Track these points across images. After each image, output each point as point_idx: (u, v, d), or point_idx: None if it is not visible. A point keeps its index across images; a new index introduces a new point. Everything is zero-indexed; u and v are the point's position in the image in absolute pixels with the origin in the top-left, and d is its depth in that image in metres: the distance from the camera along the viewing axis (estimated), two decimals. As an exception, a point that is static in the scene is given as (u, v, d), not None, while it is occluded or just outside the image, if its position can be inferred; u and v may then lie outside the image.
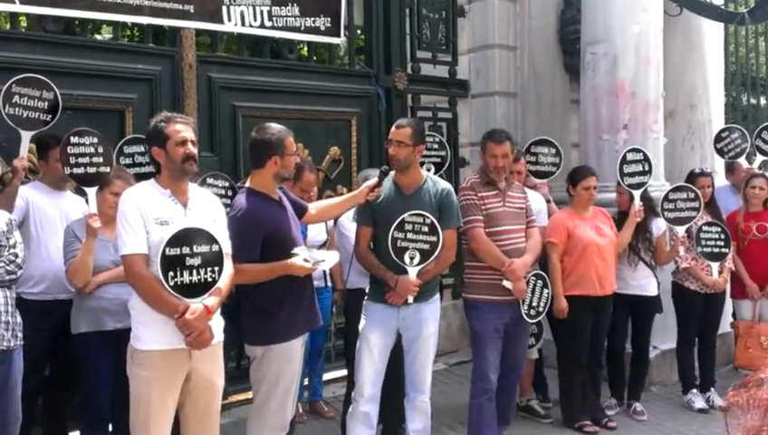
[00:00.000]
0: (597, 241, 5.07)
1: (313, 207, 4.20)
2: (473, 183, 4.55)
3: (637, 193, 5.29)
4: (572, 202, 5.24)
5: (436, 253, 4.02)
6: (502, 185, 4.53)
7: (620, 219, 5.38)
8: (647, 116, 6.35)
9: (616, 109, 6.32)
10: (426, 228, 4.01)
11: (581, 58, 6.64)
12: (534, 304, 4.56)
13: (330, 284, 5.35)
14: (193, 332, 3.22)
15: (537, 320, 4.73)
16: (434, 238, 4.01)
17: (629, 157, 5.37)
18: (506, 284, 4.39)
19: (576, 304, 5.02)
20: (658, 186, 6.01)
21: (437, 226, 4.02)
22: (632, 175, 5.33)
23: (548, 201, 5.52)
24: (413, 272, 4.01)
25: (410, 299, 4.03)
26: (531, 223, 4.64)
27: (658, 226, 5.49)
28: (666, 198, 5.41)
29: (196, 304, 3.22)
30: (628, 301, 5.38)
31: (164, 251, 3.15)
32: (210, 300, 3.29)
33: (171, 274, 3.16)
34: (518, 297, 4.44)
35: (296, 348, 3.78)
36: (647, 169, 5.33)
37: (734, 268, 5.76)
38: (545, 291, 4.60)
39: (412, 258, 4.00)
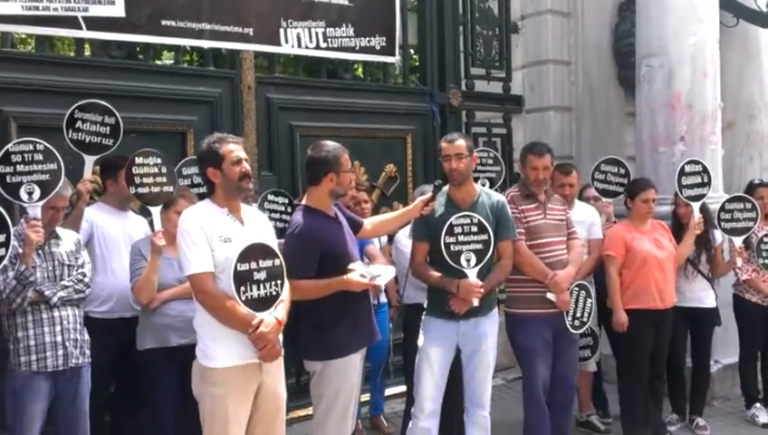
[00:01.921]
0: (656, 254, 5.00)
1: (368, 222, 4.26)
2: (513, 196, 4.54)
3: (696, 205, 5.21)
4: (630, 215, 5.17)
5: (491, 251, 4.01)
6: (542, 197, 4.53)
7: (676, 232, 5.29)
8: (704, 128, 6.26)
9: (672, 121, 6.25)
10: (475, 228, 3.99)
11: (637, 71, 6.58)
12: (579, 314, 4.54)
13: (385, 299, 5.35)
14: (267, 344, 3.27)
15: (582, 330, 4.67)
16: (485, 236, 3.99)
17: (687, 169, 5.28)
18: (550, 296, 4.37)
19: (636, 318, 4.95)
20: (717, 197, 5.88)
21: (486, 224, 4.00)
22: (691, 187, 5.24)
23: (614, 222, 5.41)
24: (472, 274, 3.98)
25: (476, 302, 3.97)
26: (572, 235, 4.63)
27: (715, 237, 5.41)
28: (722, 209, 5.33)
29: (269, 318, 3.28)
30: (685, 313, 5.28)
31: (236, 267, 3.20)
32: (279, 312, 3.35)
33: (242, 289, 3.21)
34: (562, 309, 4.42)
35: (355, 363, 3.81)
36: (705, 180, 5.24)
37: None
38: (589, 301, 4.58)
39: (468, 260, 3.98)
